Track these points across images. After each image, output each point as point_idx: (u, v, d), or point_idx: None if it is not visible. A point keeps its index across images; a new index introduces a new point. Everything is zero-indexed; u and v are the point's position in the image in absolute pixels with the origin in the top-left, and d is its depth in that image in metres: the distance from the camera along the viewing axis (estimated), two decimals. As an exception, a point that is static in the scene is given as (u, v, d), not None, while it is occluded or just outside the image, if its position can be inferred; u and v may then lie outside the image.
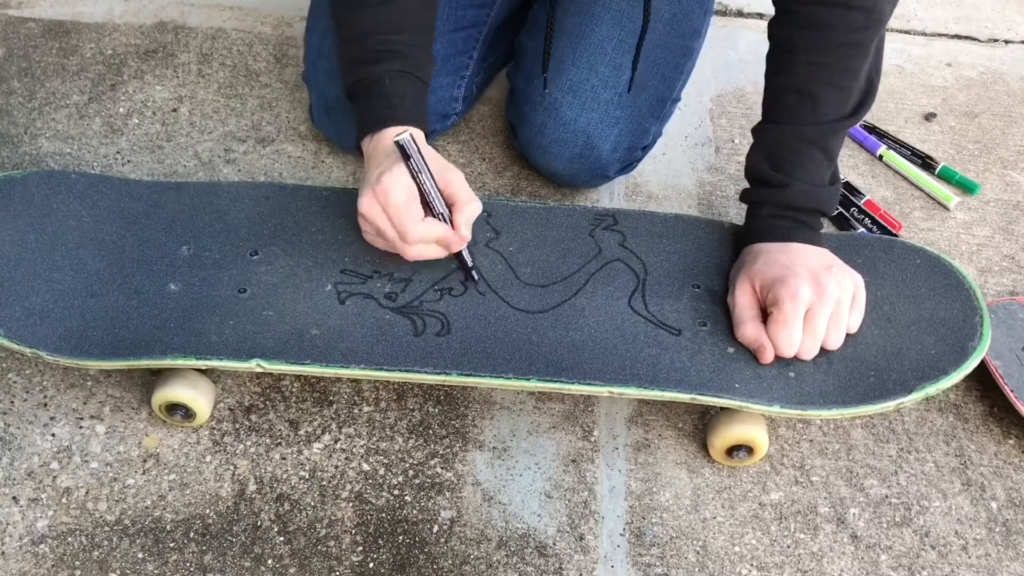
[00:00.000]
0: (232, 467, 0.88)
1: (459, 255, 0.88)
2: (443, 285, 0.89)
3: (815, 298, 0.84)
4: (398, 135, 0.82)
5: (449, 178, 0.85)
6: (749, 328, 0.85)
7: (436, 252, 0.85)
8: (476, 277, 0.89)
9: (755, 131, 0.93)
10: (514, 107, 1.11)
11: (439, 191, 0.84)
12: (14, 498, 0.84)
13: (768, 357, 0.84)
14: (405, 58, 0.87)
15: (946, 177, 1.20)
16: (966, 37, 1.44)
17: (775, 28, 0.90)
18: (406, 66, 0.87)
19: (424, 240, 0.84)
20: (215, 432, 0.90)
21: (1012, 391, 0.94)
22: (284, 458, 0.89)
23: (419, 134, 0.86)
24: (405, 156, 0.82)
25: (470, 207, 0.85)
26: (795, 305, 0.83)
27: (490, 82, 1.21)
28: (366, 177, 0.84)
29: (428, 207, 0.84)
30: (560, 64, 1.05)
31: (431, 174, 0.83)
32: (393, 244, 0.84)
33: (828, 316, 0.84)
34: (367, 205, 0.83)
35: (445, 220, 0.85)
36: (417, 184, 0.82)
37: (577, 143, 1.05)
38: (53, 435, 0.88)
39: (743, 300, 0.87)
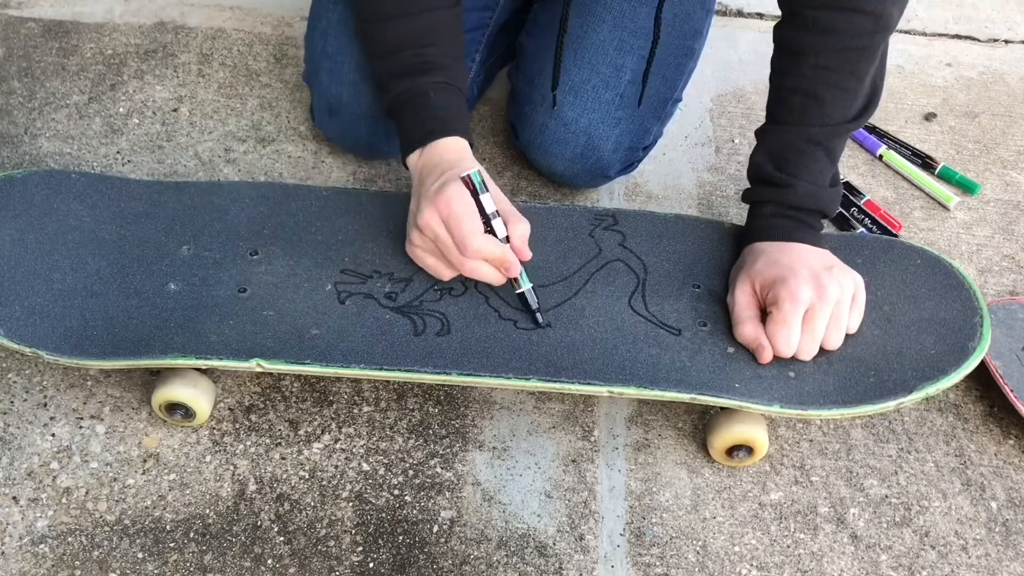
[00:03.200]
0: (232, 467, 0.88)
1: (522, 296, 0.86)
2: (443, 285, 0.89)
3: (815, 298, 0.84)
4: (466, 171, 0.83)
5: (503, 207, 0.86)
6: (748, 328, 0.85)
7: (493, 274, 0.85)
8: (541, 322, 0.86)
9: (759, 132, 0.94)
10: (515, 107, 1.11)
11: (502, 220, 0.84)
12: (14, 498, 0.84)
13: (767, 357, 0.84)
14: (444, 70, 0.89)
15: (946, 177, 1.20)
16: (966, 37, 1.44)
17: (781, 31, 0.90)
18: (447, 77, 0.89)
19: (483, 254, 0.83)
20: (215, 432, 0.90)
21: (1012, 391, 0.94)
22: (284, 458, 0.89)
23: (468, 150, 0.88)
24: (473, 191, 0.83)
25: (521, 225, 0.86)
26: (794, 305, 0.83)
27: (491, 83, 1.21)
28: (421, 190, 0.85)
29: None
30: (562, 65, 1.05)
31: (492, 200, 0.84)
32: (449, 254, 0.84)
33: (827, 317, 0.84)
34: (428, 215, 0.83)
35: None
36: (483, 206, 0.83)
37: (578, 143, 1.05)
38: (53, 435, 0.88)
39: (742, 300, 0.87)
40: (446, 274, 0.87)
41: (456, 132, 0.88)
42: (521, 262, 0.86)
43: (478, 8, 1.09)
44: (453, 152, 0.87)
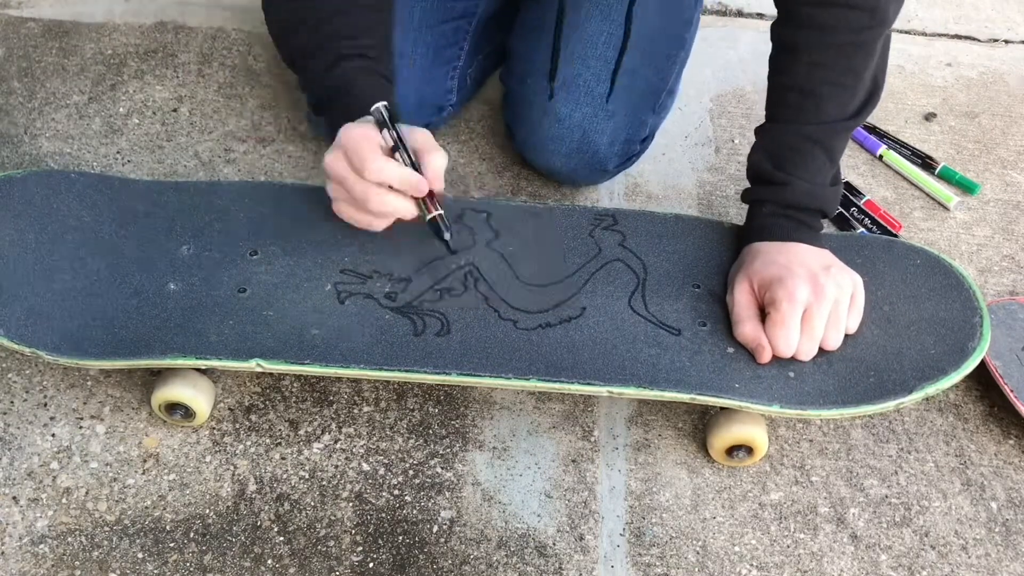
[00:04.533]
0: (232, 467, 0.88)
1: (434, 223, 0.83)
2: (443, 285, 0.89)
3: (813, 298, 0.84)
4: (372, 107, 0.81)
5: (415, 137, 0.83)
6: (747, 328, 0.85)
7: (404, 205, 0.82)
8: (452, 247, 0.85)
9: (758, 131, 0.94)
10: (509, 108, 1.11)
11: (407, 151, 0.82)
12: (14, 498, 0.84)
13: (766, 357, 0.84)
14: (363, 58, 0.87)
15: (946, 177, 1.20)
16: (966, 37, 1.44)
17: (777, 30, 0.90)
18: (367, 64, 0.86)
19: (384, 177, 0.80)
20: (215, 432, 0.90)
21: (1012, 391, 0.94)
22: (284, 458, 0.89)
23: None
24: (380, 126, 0.81)
25: (437, 155, 0.82)
26: (792, 305, 0.83)
27: (484, 76, 1.21)
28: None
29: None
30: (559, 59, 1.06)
31: (399, 135, 0.82)
32: (353, 190, 0.81)
33: (826, 316, 0.84)
34: (330, 158, 0.81)
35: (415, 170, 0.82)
36: (383, 141, 0.81)
37: (573, 138, 1.05)
38: (53, 435, 0.88)
39: (741, 300, 0.87)
40: (373, 223, 0.84)
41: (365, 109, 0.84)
42: (435, 195, 0.83)
43: None
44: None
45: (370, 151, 0.80)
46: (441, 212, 0.84)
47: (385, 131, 0.81)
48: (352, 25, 0.87)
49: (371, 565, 0.83)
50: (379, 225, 0.85)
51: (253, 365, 0.81)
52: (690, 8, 1.09)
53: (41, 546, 0.82)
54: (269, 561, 0.82)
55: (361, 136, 0.80)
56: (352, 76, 0.86)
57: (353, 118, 0.83)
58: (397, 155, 0.82)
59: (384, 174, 0.80)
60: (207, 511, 0.85)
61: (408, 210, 0.83)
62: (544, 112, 1.06)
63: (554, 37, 1.04)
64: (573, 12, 1.05)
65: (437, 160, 0.83)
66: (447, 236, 0.85)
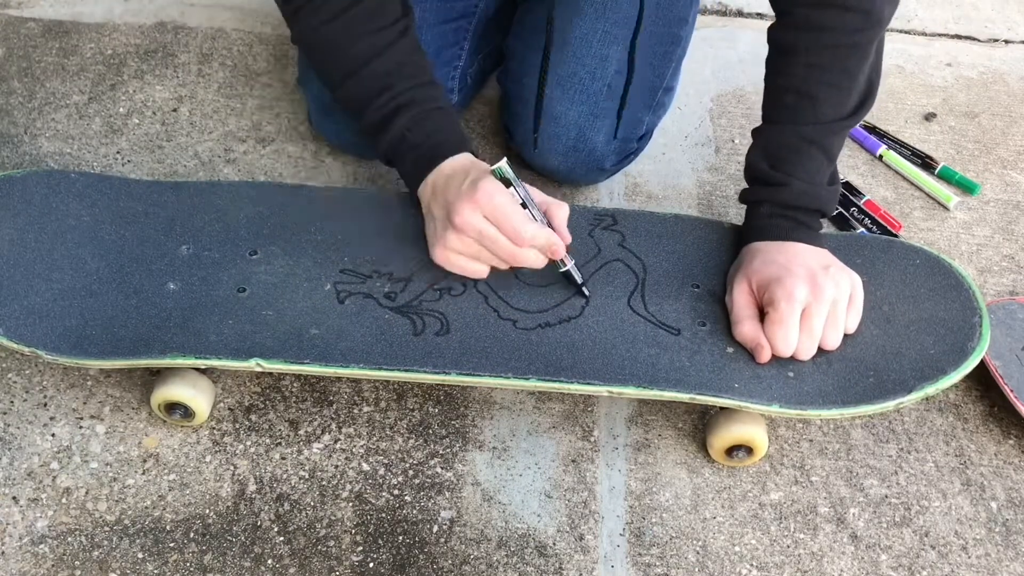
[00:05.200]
0: (232, 467, 0.88)
1: (568, 274, 0.88)
2: (442, 285, 0.89)
3: (811, 298, 0.84)
4: (495, 166, 0.82)
5: (533, 193, 0.86)
6: (746, 327, 0.85)
7: (539, 259, 0.85)
8: (587, 294, 0.88)
9: (755, 132, 0.94)
10: (506, 108, 1.11)
11: (534, 204, 0.85)
12: (14, 498, 0.84)
13: (765, 356, 0.84)
14: (412, 104, 0.89)
15: (946, 177, 1.20)
16: (966, 37, 1.44)
17: (774, 32, 0.91)
18: (419, 109, 0.89)
19: (536, 242, 0.83)
20: (215, 432, 0.90)
21: (1012, 391, 0.93)
22: (284, 458, 0.89)
23: (473, 159, 0.87)
24: (506, 183, 0.82)
25: (562, 209, 0.86)
26: (791, 305, 0.83)
27: (485, 77, 1.21)
28: (451, 192, 0.83)
29: None
30: (549, 61, 1.06)
31: (526, 191, 0.84)
32: (497, 249, 0.82)
33: (825, 316, 0.84)
34: (467, 214, 0.81)
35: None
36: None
37: (569, 136, 1.06)
38: (53, 435, 0.88)
39: (740, 299, 0.87)
40: (484, 272, 0.86)
41: (453, 150, 0.87)
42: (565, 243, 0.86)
43: None
44: (461, 162, 0.87)
45: (519, 217, 0.82)
46: (574, 262, 0.87)
47: (513, 189, 0.82)
48: (388, 72, 0.89)
49: (371, 565, 0.83)
50: (484, 274, 0.86)
51: (253, 365, 0.81)
52: (686, 5, 1.09)
53: (41, 546, 0.82)
54: (269, 561, 0.82)
55: (505, 200, 0.81)
56: (406, 129, 0.89)
57: (425, 165, 0.87)
58: (527, 212, 0.83)
59: (538, 241, 0.83)
60: (207, 511, 0.85)
61: (540, 264, 0.85)
62: (539, 112, 1.06)
63: (545, 36, 1.05)
64: (562, 11, 1.05)
65: (563, 214, 0.86)
66: (580, 282, 0.88)
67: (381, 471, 0.88)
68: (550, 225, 0.85)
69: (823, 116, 0.89)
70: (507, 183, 0.82)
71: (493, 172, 0.82)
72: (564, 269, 0.87)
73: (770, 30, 0.91)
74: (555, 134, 1.06)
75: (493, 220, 0.81)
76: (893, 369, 0.85)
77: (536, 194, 0.86)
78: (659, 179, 1.17)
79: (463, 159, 0.87)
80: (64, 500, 0.85)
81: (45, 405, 0.90)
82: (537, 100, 1.06)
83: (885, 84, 1.30)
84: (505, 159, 0.83)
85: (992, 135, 1.28)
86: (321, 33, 0.90)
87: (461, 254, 0.85)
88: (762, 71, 0.93)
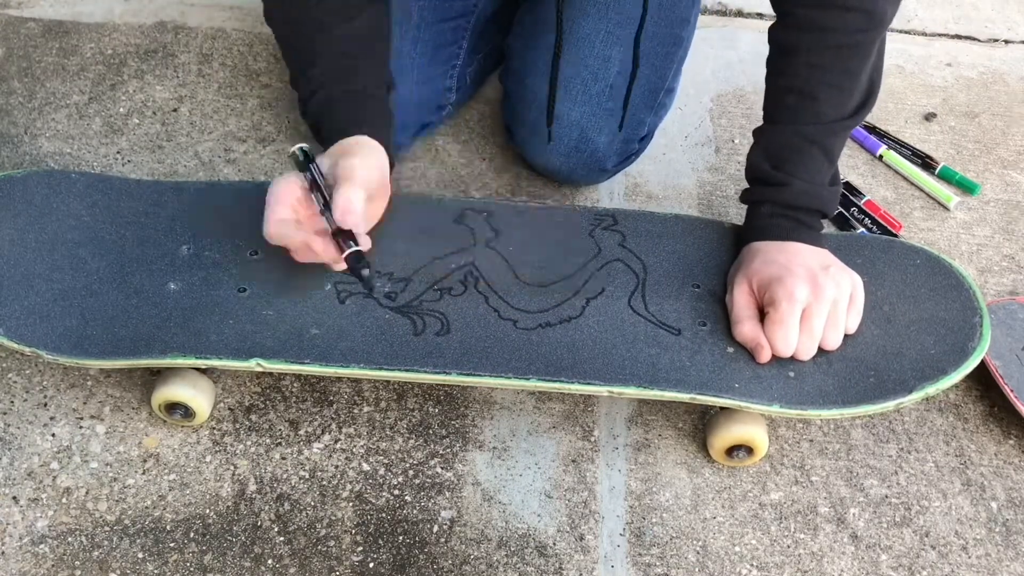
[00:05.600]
0: (232, 467, 0.88)
1: (349, 262, 0.79)
2: (443, 285, 0.89)
3: (812, 298, 0.84)
4: (293, 148, 0.82)
5: (340, 170, 0.81)
6: (746, 327, 0.85)
7: (325, 252, 0.80)
8: (369, 283, 0.81)
9: (756, 132, 0.94)
10: (508, 108, 1.11)
11: (325, 188, 0.81)
12: (14, 498, 0.84)
13: (765, 356, 0.84)
14: (327, 85, 0.88)
15: (946, 177, 1.20)
16: (966, 37, 1.44)
17: (775, 32, 0.91)
18: (332, 91, 0.88)
19: (280, 242, 0.80)
20: (215, 432, 0.90)
21: (1012, 391, 0.94)
22: (284, 458, 0.88)
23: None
24: (300, 165, 0.82)
25: (344, 188, 0.79)
26: (791, 305, 0.83)
27: (484, 76, 1.21)
28: None
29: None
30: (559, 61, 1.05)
31: (319, 174, 0.81)
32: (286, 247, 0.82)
33: (825, 316, 0.84)
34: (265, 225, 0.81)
35: (329, 213, 0.80)
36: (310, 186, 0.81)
37: (571, 137, 1.05)
38: (53, 435, 0.88)
39: (740, 299, 0.87)
40: (304, 258, 0.83)
41: (346, 133, 0.85)
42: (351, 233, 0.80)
43: None
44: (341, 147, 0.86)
45: (266, 217, 0.80)
46: (357, 249, 0.79)
47: (304, 173, 0.81)
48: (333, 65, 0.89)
49: (371, 565, 0.83)
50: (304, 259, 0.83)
51: (253, 365, 0.81)
52: (688, 6, 1.09)
53: (41, 546, 0.82)
54: (269, 561, 0.82)
55: (270, 200, 0.80)
56: (329, 104, 0.88)
57: (327, 144, 0.85)
58: (313, 196, 0.81)
59: (278, 241, 0.80)
60: (207, 511, 0.85)
61: (330, 257, 0.80)
62: (542, 111, 1.06)
63: (556, 37, 1.05)
64: (566, 11, 1.05)
65: (345, 193, 0.79)
66: (365, 273, 0.79)
67: (381, 471, 0.88)
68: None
69: (824, 116, 0.89)
70: (303, 166, 0.81)
71: (294, 152, 0.81)
72: (344, 255, 0.79)
73: (771, 30, 0.91)
74: (557, 134, 1.06)
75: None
76: (893, 369, 0.85)
77: (345, 171, 0.80)
78: (659, 179, 1.17)
79: (349, 141, 0.85)
80: (64, 500, 0.85)
81: (45, 405, 0.90)
82: (549, 101, 1.05)
83: (885, 84, 1.30)
84: (301, 145, 0.81)
85: (992, 135, 1.28)
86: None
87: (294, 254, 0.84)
88: (762, 71, 0.93)
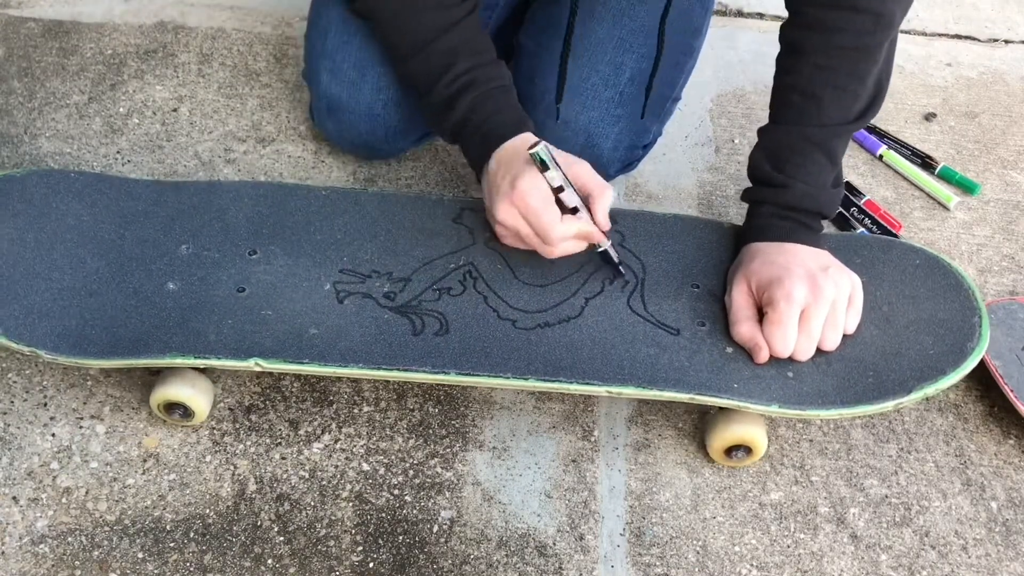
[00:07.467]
0: (232, 467, 0.88)
1: (605, 253, 0.89)
2: (442, 285, 0.89)
3: (811, 299, 0.83)
4: (531, 148, 0.83)
5: (578, 171, 0.87)
6: (745, 327, 0.85)
7: (578, 247, 0.87)
8: (624, 272, 0.90)
9: (760, 131, 0.94)
10: None
11: (572, 187, 0.86)
12: (14, 498, 0.84)
13: (763, 357, 0.84)
14: (475, 85, 0.91)
15: (946, 177, 1.20)
16: (966, 37, 1.44)
17: (786, 30, 0.91)
18: (481, 89, 0.91)
19: (566, 238, 0.85)
20: (215, 432, 0.90)
21: (1012, 391, 0.93)
22: (284, 458, 0.89)
23: (533, 139, 0.88)
24: (543, 166, 0.83)
25: (604, 196, 0.87)
26: (790, 305, 0.83)
27: None
28: (496, 185, 0.87)
29: (562, 205, 0.86)
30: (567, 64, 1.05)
31: (563, 173, 0.85)
32: (533, 244, 0.87)
33: (823, 316, 0.84)
34: (505, 212, 0.85)
35: (582, 211, 0.86)
36: (549, 183, 0.84)
37: (577, 141, 1.05)
38: (53, 435, 0.89)
39: (739, 300, 0.87)
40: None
41: (512, 131, 0.89)
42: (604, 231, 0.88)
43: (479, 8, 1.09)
44: (516, 144, 0.89)
45: (550, 219, 0.84)
46: (611, 243, 0.89)
47: (549, 173, 0.84)
48: (452, 49, 0.92)
49: (371, 565, 0.83)
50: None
51: (252, 364, 0.81)
52: (699, 17, 1.09)
53: (41, 546, 0.82)
54: (269, 561, 0.82)
55: (538, 200, 0.84)
56: (481, 105, 0.91)
57: (490, 147, 0.89)
58: (563, 195, 0.85)
59: (566, 238, 0.85)
60: (207, 511, 0.85)
61: (580, 249, 0.88)
62: (549, 113, 1.05)
63: (565, 38, 1.04)
64: (579, 15, 1.05)
65: (604, 202, 0.87)
66: (617, 261, 0.90)
67: (381, 471, 0.88)
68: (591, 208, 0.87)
69: (828, 119, 0.89)
70: (546, 166, 0.83)
71: (532, 156, 0.83)
72: (600, 249, 0.89)
73: (782, 28, 0.91)
74: (563, 137, 1.05)
75: (527, 219, 0.85)
76: (893, 369, 0.85)
77: (584, 172, 0.87)
78: (659, 179, 1.17)
79: (520, 141, 0.89)
80: (64, 500, 0.85)
81: (45, 405, 0.90)
82: (556, 103, 1.06)
83: (885, 84, 1.30)
84: (543, 143, 0.84)
85: (992, 135, 1.28)
86: (385, 4, 0.93)
87: (509, 239, 0.89)
88: (762, 71, 0.93)
